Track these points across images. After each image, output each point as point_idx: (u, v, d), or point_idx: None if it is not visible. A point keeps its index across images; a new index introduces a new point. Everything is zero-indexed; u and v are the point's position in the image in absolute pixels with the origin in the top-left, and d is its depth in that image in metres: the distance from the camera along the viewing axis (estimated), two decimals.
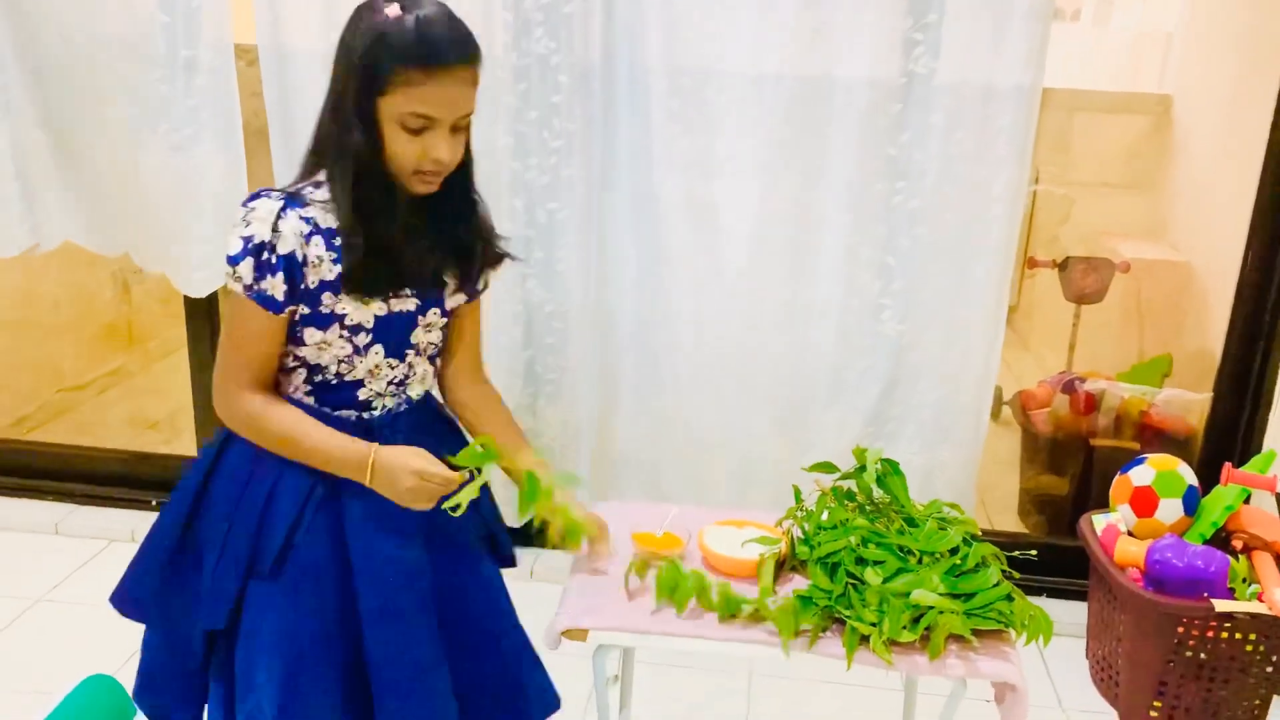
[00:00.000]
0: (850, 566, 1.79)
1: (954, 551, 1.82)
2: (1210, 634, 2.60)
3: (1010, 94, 2.74)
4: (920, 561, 1.80)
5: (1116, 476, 2.86)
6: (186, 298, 3.35)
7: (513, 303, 3.06)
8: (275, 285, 1.61)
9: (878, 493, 1.99)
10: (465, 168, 1.72)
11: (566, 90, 2.83)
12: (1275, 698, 2.52)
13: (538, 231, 2.99)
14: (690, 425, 3.11)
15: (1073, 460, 3.60)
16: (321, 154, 1.66)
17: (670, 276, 2.99)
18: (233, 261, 1.61)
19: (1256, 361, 3.09)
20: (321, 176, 1.65)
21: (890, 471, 1.98)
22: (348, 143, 1.59)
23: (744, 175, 2.88)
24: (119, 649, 2.89)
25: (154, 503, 3.60)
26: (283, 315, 1.64)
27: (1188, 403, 3.39)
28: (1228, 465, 2.43)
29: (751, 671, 2.83)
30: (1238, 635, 2.59)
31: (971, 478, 3.11)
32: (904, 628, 1.67)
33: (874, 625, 1.68)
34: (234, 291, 1.62)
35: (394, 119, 1.57)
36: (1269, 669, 2.62)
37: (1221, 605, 2.54)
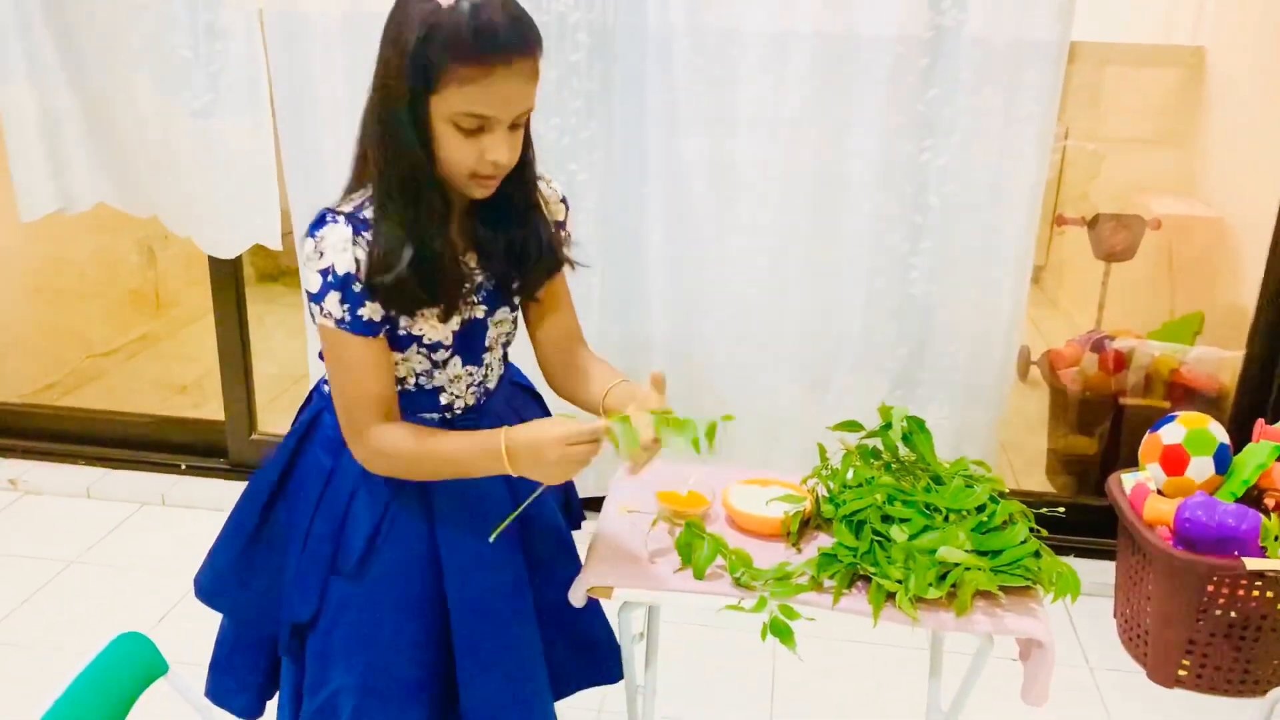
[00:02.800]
0: (876, 524, 1.78)
1: (980, 509, 1.80)
2: (1241, 592, 2.59)
3: (1039, 48, 2.70)
4: (946, 519, 1.79)
5: (1146, 435, 2.85)
6: (211, 263, 3.37)
7: None
8: (372, 309, 1.53)
9: (903, 451, 1.98)
10: (523, 166, 1.59)
11: (586, 49, 2.81)
12: None
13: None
14: (716, 385, 3.10)
15: (1101, 419, 3.57)
16: (366, 160, 1.54)
17: (694, 236, 2.97)
18: (317, 299, 1.51)
19: None
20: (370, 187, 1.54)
21: (916, 429, 1.97)
22: (393, 148, 1.47)
23: (768, 133, 2.85)
24: (151, 610, 2.94)
25: (183, 466, 3.64)
26: (382, 336, 1.57)
27: (1220, 360, 3.35)
28: (1260, 421, 2.42)
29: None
30: (1269, 594, 2.58)
31: (995, 437, 3.10)
32: (930, 585, 1.66)
33: (900, 582, 1.67)
34: (327, 328, 1.53)
35: (446, 118, 1.44)
36: None
37: (1253, 563, 2.54)
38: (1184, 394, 3.39)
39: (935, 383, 3.03)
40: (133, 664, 1.71)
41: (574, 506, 2.01)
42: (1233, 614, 2.62)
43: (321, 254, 1.51)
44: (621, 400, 1.65)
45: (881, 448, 1.99)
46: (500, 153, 1.47)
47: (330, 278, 1.50)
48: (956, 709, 1.99)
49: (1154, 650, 2.76)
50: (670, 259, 3.01)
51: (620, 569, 1.78)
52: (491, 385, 1.77)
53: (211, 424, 3.65)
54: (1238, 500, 2.71)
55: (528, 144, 1.59)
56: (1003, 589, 1.69)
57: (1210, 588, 2.60)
